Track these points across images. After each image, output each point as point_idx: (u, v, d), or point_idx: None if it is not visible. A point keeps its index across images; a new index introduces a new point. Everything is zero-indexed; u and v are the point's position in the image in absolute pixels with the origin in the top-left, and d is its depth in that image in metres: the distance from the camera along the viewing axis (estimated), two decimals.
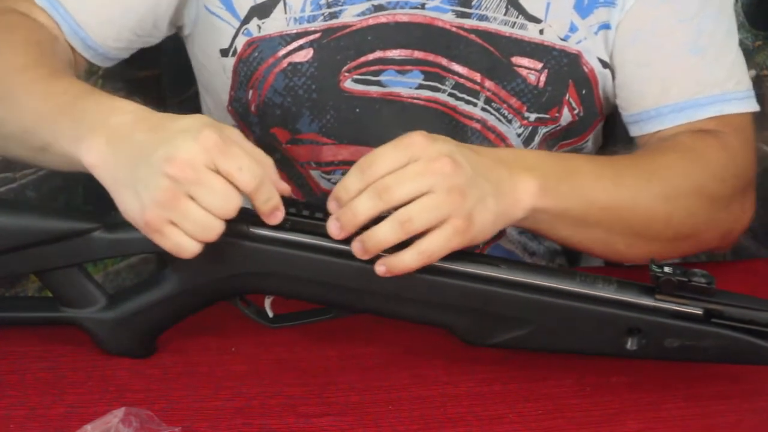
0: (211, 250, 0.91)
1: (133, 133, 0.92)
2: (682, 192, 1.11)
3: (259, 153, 0.92)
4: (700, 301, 0.96)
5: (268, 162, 0.93)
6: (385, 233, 0.93)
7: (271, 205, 0.93)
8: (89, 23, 1.17)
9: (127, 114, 0.94)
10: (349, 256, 0.95)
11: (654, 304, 0.96)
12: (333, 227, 0.94)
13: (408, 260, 0.94)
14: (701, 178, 1.13)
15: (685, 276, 0.95)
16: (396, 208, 0.93)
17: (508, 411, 0.97)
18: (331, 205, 0.94)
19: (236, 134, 0.92)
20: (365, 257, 0.94)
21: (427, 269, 0.95)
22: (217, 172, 0.89)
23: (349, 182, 0.93)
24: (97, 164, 0.93)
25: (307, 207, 0.96)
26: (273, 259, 0.96)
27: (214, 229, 0.90)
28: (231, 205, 0.89)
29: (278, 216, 0.94)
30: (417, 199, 0.92)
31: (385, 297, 0.97)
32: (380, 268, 0.94)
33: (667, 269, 0.95)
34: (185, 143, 0.89)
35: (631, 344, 0.97)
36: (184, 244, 0.90)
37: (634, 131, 1.24)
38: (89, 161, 0.94)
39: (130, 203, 0.91)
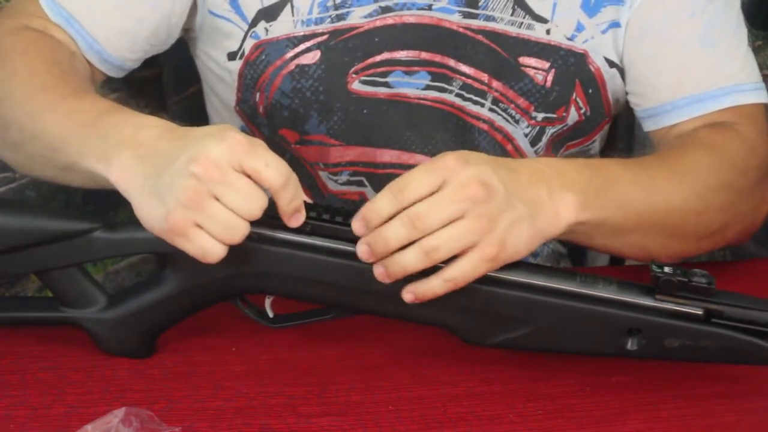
0: None
1: (158, 144, 0.92)
2: (712, 189, 1.11)
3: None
4: (700, 301, 0.95)
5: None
6: (410, 261, 0.92)
7: (294, 205, 0.93)
8: (105, 37, 1.18)
9: (152, 128, 0.94)
10: (353, 256, 0.95)
11: (654, 304, 0.96)
12: (364, 252, 0.93)
13: (435, 287, 0.93)
14: (727, 174, 1.13)
15: (685, 276, 0.94)
16: None
17: (508, 411, 0.96)
18: (357, 225, 0.93)
19: (262, 143, 0.92)
20: (387, 281, 0.94)
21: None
22: (243, 172, 0.89)
23: (380, 205, 0.92)
24: (123, 179, 0.93)
25: (327, 211, 0.96)
26: (273, 260, 0.96)
27: (239, 230, 0.90)
28: (256, 205, 0.89)
29: (299, 219, 0.94)
30: (447, 225, 0.91)
31: (387, 298, 0.97)
32: (408, 296, 0.94)
33: (667, 269, 0.95)
34: (210, 143, 0.89)
35: (631, 344, 0.96)
36: (209, 247, 0.90)
37: (649, 126, 1.24)
38: (116, 177, 0.94)
39: (154, 210, 0.91)
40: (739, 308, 0.95)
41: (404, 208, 0.92)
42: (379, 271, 0.94)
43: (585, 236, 1.04)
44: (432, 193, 0.92)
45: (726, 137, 1.16)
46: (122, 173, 0.93)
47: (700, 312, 0.95)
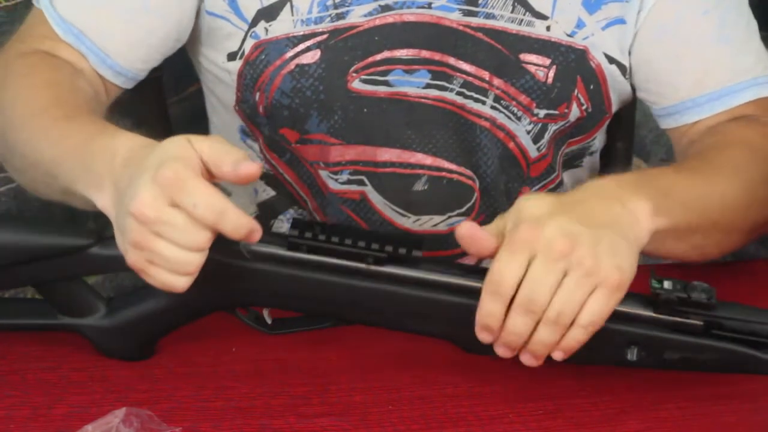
0: (207, 267, 0.91)
1: (121, 175, 0.92)
2: (755, 182, 1.12)
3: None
4: (700, 315, 0.95)
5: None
6: (547, 337, 0.91)
7: (241, 232, 0.89)
8: (116, 51, 1.18)
9: (121, 155, 0.93)
10: (351, 273, 0.95)
11: (654, 316, 0.95)
12: (504, 352, 0.93)
13: (578, 337, 0.92)
14: (765, 166, 1.14)
15: (685, 291, 0.94)
16: None
17: (508, 411, 0.97)
18: (483, 335, 0.93)
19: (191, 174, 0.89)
20: (539, 363, 0.94)
21: (428, 286, 0.95)
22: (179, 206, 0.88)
23: (491, 309, 0.91)
24: (107, 211, 0.94)
25: (324, 231, 0.95)
26: (268, 277, 0.96)
27: (190, 263, 0.89)
28: (198, 238, 0.88)
29: (255, 237, 0.91)
30: (558, 289, 0.90)
31: (386, 312, 0.97)
32: (558, 354, 0.93)
33: (666, 284, 0.94)
34: (144, 183, 0.87)
35: (630, 355, 0.96)
36: (169, 282, 0.90)
37: (669, 123, 1.25)
38: (101, 206, 0.95)
39: (120, 246, 0.92)
40: (739, 321, 0.95)
41: (511, 301, 0.91)
42: (526, 358, 0.93)
43: (658, 243, 1.02)
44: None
45: (755, 131, 1.17)
46: (105, 203, 0.94)
47: (700, 323, 0.95)
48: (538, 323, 0.91)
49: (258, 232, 0.90)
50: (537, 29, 1.20)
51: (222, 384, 0.98)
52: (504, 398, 0.98)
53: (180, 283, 0.90)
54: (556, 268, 0.90)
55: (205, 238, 0.88)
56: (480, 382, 1.00)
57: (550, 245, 0.90)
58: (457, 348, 1.01)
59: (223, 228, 0.88)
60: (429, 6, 1.19)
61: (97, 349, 1.00)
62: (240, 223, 0.89)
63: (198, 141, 0.89)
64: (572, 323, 0.91)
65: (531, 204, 0.94)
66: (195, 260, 0.89)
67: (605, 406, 0.98)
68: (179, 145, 0.89)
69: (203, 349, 1.02)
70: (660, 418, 0.97)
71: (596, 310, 0.91)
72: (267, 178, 1.31)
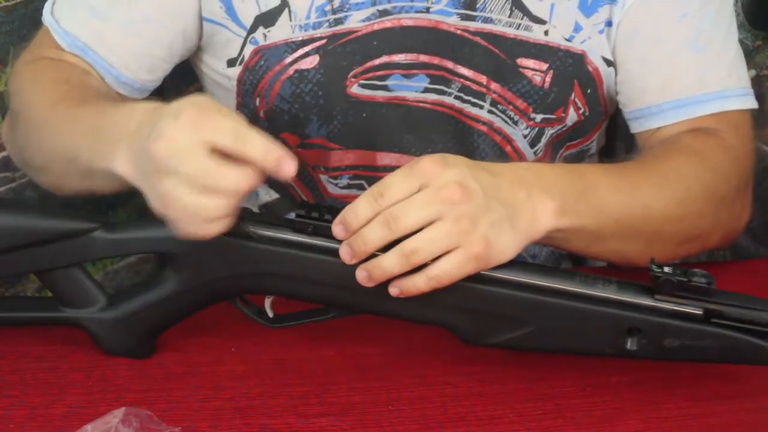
0: (211, 249, 0.92)
1: (138, 134, 0.92)
2: (693, 195, 1.11)
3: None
4: (700, 301, 0.95)
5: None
6: (390, 264, 0.93)
7: (272, 158, 0.88)
8: (120, 62, 1.19)
9: (135, 119, 0.94)
10: None
11: (654, 304, 0.96)
12: (345, 253, 0.94)
13: (419, 284, 0.94)
14: (708, 181, 1.13)
15: (685, 276, 0.95)
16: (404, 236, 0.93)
17: (508, 411, 0.97)
18: (337, 228, 0.94)
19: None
20: (370, 285, 0.94)
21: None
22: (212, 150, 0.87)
23: (360, 208, 0.93)
24: (127, 173, 0.94)
25: (329, 211, 0.96)
26: (274, 260, 0.96)
27: (211, 209, 0.89)
28: (220, 180, 0.88)
29: (290, 166, 0.89)
30: (426, 227, 0.92)
31: (387, 297, 0.97)
32: (393, 290, 0.94)
33: (666, 269, 0.95)
34: (166, 121, 0.89)
35: (630, 344, 0.96)
36: (198, 232, 0.91)
37: (635, 127, 1.24)
38: (122, 172, 0.94)
39: (155, 204, 0.91)
40: (738, 308, 0.95)
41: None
42: (362, 275, 0.94)
43: (563, 241, 1.04)
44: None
45: (709, 144, 1.16)
46: (124, 167, 0.94)
47: (699, 312, 0.95)
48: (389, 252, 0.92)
49: (292, 165, 0.89)
50: (534, 34, 1.20)
51: (221, 384, 0.98)
52: (504, 398, 0.98)
53: (209, 231, 0.90)
54: (434, 208, 0.92)
55: (226, 180, 0.88)
56: (480, 382, 1.00)
57: (441, 185, 0.92)
58: (457, 348, 1.01)
59: (248, 152, 0.87)
60: (427, 10, 1.19)
61: (97, 344, 1.00)
62: (268, 148, 0.88)
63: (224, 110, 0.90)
64: (420, 270, 0.93)
65: (450, 154, 0.96)
66: (217, 205, 0.89)
67: (605, 406, 0.98)
68: (205, 96, 0.91)
69: (202, 348, 1.02)
70: (660, 418, 0.97)
71: (446, 269, 0.93)
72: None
